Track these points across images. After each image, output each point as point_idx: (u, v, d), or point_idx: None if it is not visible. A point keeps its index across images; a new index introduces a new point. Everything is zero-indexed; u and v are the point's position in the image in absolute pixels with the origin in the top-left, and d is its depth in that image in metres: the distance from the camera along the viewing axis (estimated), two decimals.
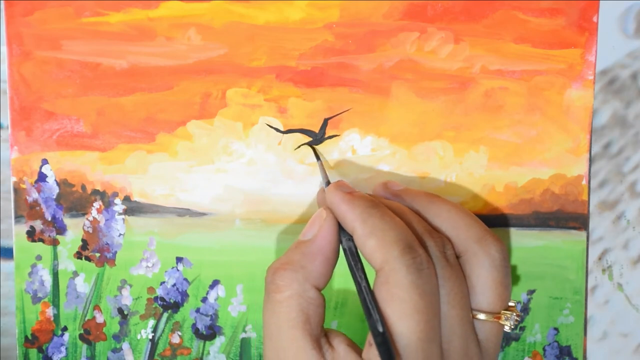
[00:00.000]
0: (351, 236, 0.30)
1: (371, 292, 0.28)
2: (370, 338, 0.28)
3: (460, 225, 0.31)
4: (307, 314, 0.29)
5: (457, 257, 0.31)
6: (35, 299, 0.38)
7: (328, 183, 0.33)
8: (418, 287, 0.28)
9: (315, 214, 0.31)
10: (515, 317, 0.31)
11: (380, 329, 0.27)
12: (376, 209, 0.30)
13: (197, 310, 0.38)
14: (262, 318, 0.30)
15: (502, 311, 0.31)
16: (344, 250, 0.30)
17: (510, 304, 0.31)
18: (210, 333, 0.38)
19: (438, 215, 0.32)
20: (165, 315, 0.38)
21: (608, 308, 0.38)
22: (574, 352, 0.38)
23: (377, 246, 0.28)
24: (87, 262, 0.37)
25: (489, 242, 0.31)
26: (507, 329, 0.31)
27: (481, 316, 0.30)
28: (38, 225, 0.37)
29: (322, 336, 0.29)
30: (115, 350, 0.38)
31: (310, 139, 0.36)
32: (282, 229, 0.37)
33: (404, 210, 0.31)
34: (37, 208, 0.37)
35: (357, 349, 0.29)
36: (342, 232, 0.31)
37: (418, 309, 0.27)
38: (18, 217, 0.37)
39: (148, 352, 0.38)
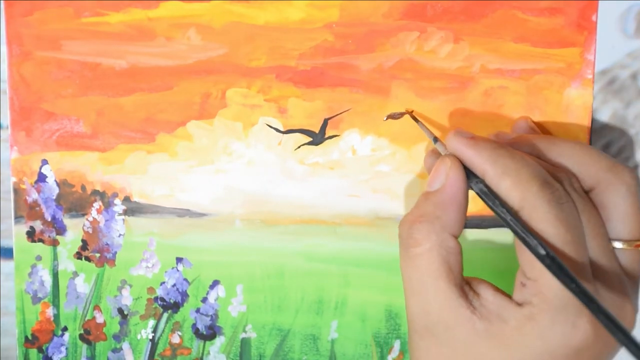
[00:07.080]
0: (480, 179, 0.29)
1: (521, 221, 0.28)
2: (521, 278, 0.28)
3: (588, 159, 0.31)
4: (449, 263, 0.29)
5: (588, 191, 0.31)
6: (35, 299, 0.38)
7: (436, 139, 0.32)
8: (562, 220, 0.27)
9: (438, 162, 0.30)
10: None
11: (543, 252, 0.26)
12: (504, 149, 0.29)
13: (197, 311, 0.38)
14: (401, 274, 0.30)
15: None
16: (477, 193, 0.29)
17: None
18: (210, 333, 0.38)
19: (562, 154, 0.31)
20: (165, 315, 0.38)
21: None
22: None
23: (513, 185, 0.28)
24: (87, 262, 0.37)
25: (621, 170, 0.30)
26: None
27: (621, 245, 0.30)
28: (38, 225, 0.37)
29: (464, 284, 0.29)
30: (116, 350, 0.38)
31: (310, 139, 0.36)
32: (282, 230, 0.37)
33: (524, 154, 0.30)
34: (37, 208, 0.37)
35: (506, 293, 0.29)
36: (470, 177, 0.30)
37: (566, 242, 0.27)
38: (18, 218, 0.37)
39: (148, 352, 0.38)
